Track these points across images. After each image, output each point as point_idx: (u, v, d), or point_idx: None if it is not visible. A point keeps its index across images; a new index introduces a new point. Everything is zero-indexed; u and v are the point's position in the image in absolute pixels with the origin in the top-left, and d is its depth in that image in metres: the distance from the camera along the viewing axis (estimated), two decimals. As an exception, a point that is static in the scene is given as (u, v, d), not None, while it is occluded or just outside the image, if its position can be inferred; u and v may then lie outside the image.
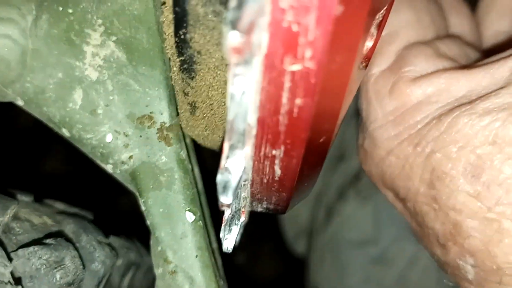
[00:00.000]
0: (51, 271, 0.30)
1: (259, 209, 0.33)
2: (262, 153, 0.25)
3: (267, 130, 0.24)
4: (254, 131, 0.24)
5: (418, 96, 0.32)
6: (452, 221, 0.30)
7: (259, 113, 0.23)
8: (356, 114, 0.40)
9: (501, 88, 0.29)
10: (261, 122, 0.23)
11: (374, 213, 1.12)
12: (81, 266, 0.33)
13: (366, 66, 0.35)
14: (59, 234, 0.34)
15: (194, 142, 0.40)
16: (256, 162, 0.26)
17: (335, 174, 1.19)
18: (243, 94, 0.21)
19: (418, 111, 0.32)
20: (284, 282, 1.27)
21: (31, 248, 0.30)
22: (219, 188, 0.24)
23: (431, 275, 1.12)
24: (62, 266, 0.31)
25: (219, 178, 0.24)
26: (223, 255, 0.40)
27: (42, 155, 0.98)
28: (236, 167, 0.24)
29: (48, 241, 0.32)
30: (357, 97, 0.38)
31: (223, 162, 0.24)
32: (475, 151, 0.28)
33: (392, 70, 0.34)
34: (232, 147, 0.23)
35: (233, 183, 0.24)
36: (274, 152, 0.25)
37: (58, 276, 0.30)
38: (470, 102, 0.30)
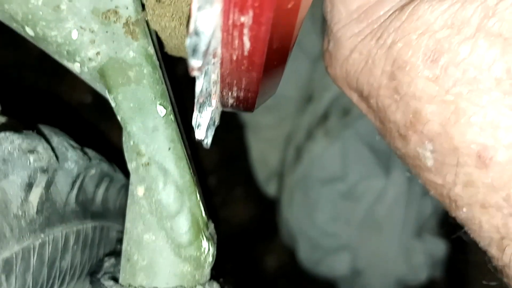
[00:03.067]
0: (24, 154, 0.30)
1: (230, 101, 0.33)
2: (230, 21, 0.25)
3: None
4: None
5: None
6: (412, 109, 0.30)
7: (225, -29, 0.23)
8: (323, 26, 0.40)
9: None
10: (228, -20, 0.23)
11: (342, 151, 1.15)
12: (55, 157, 0.33)
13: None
14: (30, 128, 0.33)
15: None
16: (224, 34, 0.26)
17: (303, 115, 1.20)
18: None
19: (381, 5, 0.32)
20: (257, 224, 1.30)
21: (2, 134, 0.30)
22: (189, 51, 0.24)
23: (398, 210, 1.16)
24: (34, 152, 0.31)
25: (188, 41, 0.24)
26: None
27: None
28: (205, 27, 0.24)
29: (19, 130, 0.31)
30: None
31: (192, 26, 0.24)
32: (434, 36, 0.28)
33: None
34: (200, 8, 0.23)
35: (203, 45, 0.24)
36: (242, 18, 0.25)
37: (31, 159, 0.30)
38: None
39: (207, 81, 0.29)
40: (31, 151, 0.30)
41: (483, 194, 0.29)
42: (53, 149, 0.33)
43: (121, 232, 0.43)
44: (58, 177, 0.34)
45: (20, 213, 0.30)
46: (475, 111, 0.27)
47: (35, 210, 0.31)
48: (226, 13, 0.25)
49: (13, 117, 0.41)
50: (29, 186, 0.30)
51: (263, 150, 1.28)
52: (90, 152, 0.41)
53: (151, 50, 0.35)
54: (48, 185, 0.33)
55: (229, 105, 0.35)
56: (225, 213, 1.29)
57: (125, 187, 0.49)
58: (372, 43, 0.33)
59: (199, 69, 0.24)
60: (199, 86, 0.28)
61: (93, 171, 0.40)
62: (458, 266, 1.16)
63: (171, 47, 0.38)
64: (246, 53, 0.27)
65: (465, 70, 0.27)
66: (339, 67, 0.36)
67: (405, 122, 0.32)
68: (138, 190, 0.34)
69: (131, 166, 0.34)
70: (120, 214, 0.48)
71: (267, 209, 1.28)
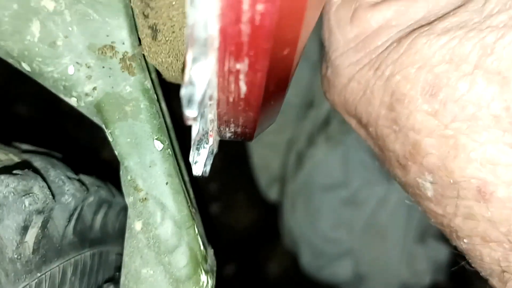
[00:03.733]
0: (20, 198, 0.30)
1: (228, 135, 0.33)
2: (226, 67, 0.25)
3: (229, 41, 0.23)
4: (216, 43, 0.24)
5: (378, 20, 0.32)
6: (411, 141, 0.30)
7: (220, 23, 0.23)
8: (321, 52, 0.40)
9: (459, 7, 0.29)
10: (223, 32, 0.23)
11: (343, 157, 1.15)
12: (51, 196, 0.33)
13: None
14: (26, 167, 0.33)
15: (160, 79, 0.40)
16: (220, 79, 0.26)
17: (304, 121, 1.20)
18: (203, 2, 0.21)
19: (379, 35, 0.32)
20: (258, 229, 1.30)
21: (-3, 178, 0.30)
22: (184, 101, 0.24)
23: (400, 216, 1.16)
24: (30, 194, 0.31)
25: (184, 91, 0.24)
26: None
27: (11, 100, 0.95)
28: (200, 79, 0.24)
29: (15, 171, 0.31)
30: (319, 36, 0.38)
31: (187, 76, 0.24)
32: (433, 70, 0.28)
33: None
34: (195, 60, 0.23)
35: (198, 96, 0.24)
36: (238, 66, 0.25)
37: (27, 203, 0.30)
38: (429, 23, 0.30)
39: (203, 123, 0.29)
40: (27, 193, 0.30)
41: (483, 228, 0.29)
42: (49, 187, 0.33)
43: (121, 254, 0.43)
44: (54, 213, 0.34)
45: (15, 256, 0.30)
46: (474, 147, 0.27)
47: (31, 250, 0.31)
48: (221, 61, 0.25)
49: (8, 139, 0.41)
50: (25, 229, 0.30)
51: (265, 155, 1.27)
52: (87, 179, 0.41)
53: (148, 84, 0.35)
54: (45, 224, 0.33)
55: (227, 137, 0.35)
56: (227, 219, 1.29)
57: (124, 209, 0.49)
58: (370, 74, 0.32)
59: (195, 118, 0.24)
60: (195, 129, 0.28)
61: (91, 199, 0.40)
62: (461, 271, 1.15)
63: (169, 77, 0.38)
64: (242, 95, 0.27)
65: (464, 106, 0.27)
66: (337, 94, 0.36)
67: (405, 152, 0.32)
68: (135, 224, 0.34)
69: (128, 200, 0.34)
70: (120, 236, 0.48)
71: (269, 215, 1.28)
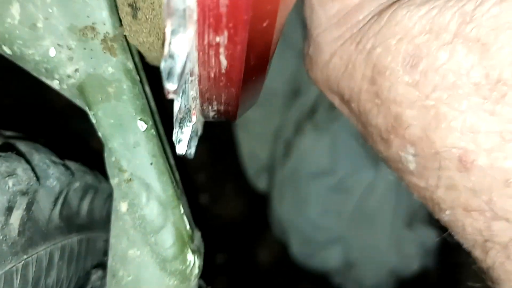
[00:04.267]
0: (3, 179, 0.30)
1: (211, 114, 0.33)
2: (206, 41, 0.25)
3: (208, 13, 0.23)
4: (195, 15, 0.24)
5: None
6: (393, 114, 0.30)
7: (198, -8, 0.23)
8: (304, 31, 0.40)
9: None
10: (201, 3, 0.23)
11: (331, 145, 1.15)
12: (35, 178, 0.32)
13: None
14: (9, 149, 0.33)
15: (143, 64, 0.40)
16: (201, 53, 0.26)
17: (291, 109, 1.20)
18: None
19: (360, 9, 0.32)
20: (248, 219, 1.30)
21: (-21, 158, 0.30)
22: (164, 74, 0.24)
23: (388, 201, 1.17)
24: (13, 175, 0.30)
25: (163, 65, 0.24)
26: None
27: None
28: (179, 51, 0.24)
29: (-3, 151, 0.31)
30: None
31: (166, 49, 0.24)
32: (413, 41, 0.28)
33: None
34: (174, 32, 0.23)
35: (178, 68, 0.24)
36: (217, 39, 0.25)
37: (10, 184, 0.30)
38: None
39: (185, 99, 0.29)
40: (10, 175, 0.30)
41: (465, 198, 0.29)
42: (33, 169, 0.33)
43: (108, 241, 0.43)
44: (39, 196, 0.34)
45: (0, 237, 0.29)
46: (455, 116, 0.28)
47: (16, 232, 0.31)
48: (201, 34, 0.25)
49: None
50: (9, 210, 0.30)
51: (253, 145, 1.28)
52: (73, 165, 0.41)
53: (130, 65, 0.35)
54: (29, 206, 0.33)
55: (211, 117, 0.35)
56: (216, 209, 1.29)
57: (112, 196, 0.49)
58: (352, 48, 0.33)
59: (175, 91, 0.24)
60: (177, 105, 0.28)
61: (76, 185, 0.40)
62: (449, 254, 1.17)
63: (151, 59, 0.38)
64: (223, 70, 0.27)
65: (444, 75, 0.28)
66: (319, 71, 0.36)
67: (387, 126, 0.32)
68: (121, 206, 0.34)
69: (113, 182, 0.34)
70: (107, 223, 0.48)
71: (258, 204, 1.28)
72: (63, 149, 0.43)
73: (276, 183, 1.22)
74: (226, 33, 0.24)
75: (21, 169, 0.32)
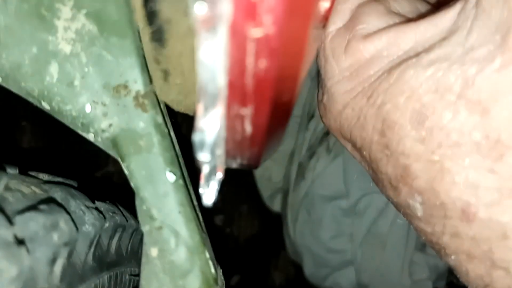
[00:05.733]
0: (49, 233, 0.32)
1: (234, 165, 0.36)
2: (233, 113, 0.28)
3: (236, 92, 0.26)
4: (224, 93, 0.26)
5: (370, 51, 0.34)
6: (402, 165, 0.32)
7: (228, 77, 0.25)
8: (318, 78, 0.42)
9: (443, 39, 0.31)
10: (230, 84, 0.26)
11: (343, 169, 1.16)
12: (75, 228, 0.35)
13: (324, 26, 0.37)
14: (50, 201, 0.36)
15: (168, 108, 0.42)
16: (228, 121, 0.29)
17: (306, 133, 1.22)
18: (212, 60, 0.24)
19: (371, 65, 0.34)
20: (262, 240, 1.31)
21: (27, 214, 0.32)
22: (197, 146, 0.26)
23: (400, 225, 1.17)
24: (57, 228, 0.33)
25: (196, 137, 0.26)
26: (203, 216, 0.43)
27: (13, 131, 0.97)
28: (210, 126, 0.26)
29: (41, 207, 0.34)
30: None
31: (199, 123, 0.26)
32: (420, 100, 0.30)
33: (347, 28, 0.36)
34: (205, 109, 0.26)
35: (209, 141, 0.26)
36: (243, 111, 0.27)
37: (55, 237, 0.33)
38: (416, 55, 0.31)
39: (213, 160, 0.31)
40: (54, 227, 0.33)
41: (468, 246, 0.31)
42: (72, 219, 0.36)
43: (133, 275, 0.46)
44: (78, 243, 0.37)
45: (46, 286, 0.32)
46: (458, 171, 0.29)
47: (58, 279, 0.34)
48: (229, 108, 0.28)
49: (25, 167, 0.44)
50: (53, 261, 0.33)
51: (267, 167, 1.29)
52: (103, 206, 0.43)
53: (159, 119, 0.37)
54: (70, 254, 0.35)
55: (233, 167, 0.38)
56: (231, 230, 1.30)
57: (136, 230, 0.52)
58: (363, 101, 0.34)
59: (209, 162, 0.26)
60: (206, 168, 0.30)
61: (107, 225, 0.43)
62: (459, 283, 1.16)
63: (177, 109, 0.41)
64: (247, 135, 0.30)
65: (448, 133, 0.29)
66: (333, 120, 0.38)
67: (396, 175, 0.34)
68: (151, 251, 0.36)
69: (144, 229, 0.37)
70: (132, 256, 0.50)
71: (273, 226, 1.29)
72: (92, 190, 0.46)
73: (290, 205, 1.23)
74: (251, 107, 0.27)
75: (63, 220, 0.34)
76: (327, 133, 1.19)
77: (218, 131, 0.27)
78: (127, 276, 0.50)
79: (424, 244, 1.17)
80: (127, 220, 0.47)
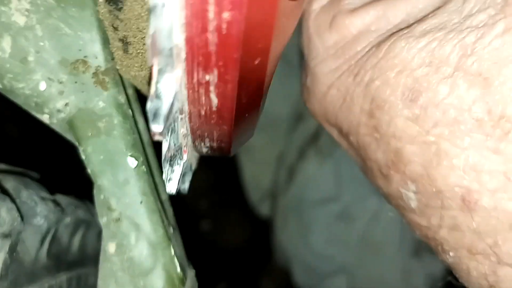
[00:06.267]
0: (-17, 222, 0.29)
1: (204, 150, 0.32)
2: (195, 79, 0.24)
3: (197, 52, 0.22)
4: (183, 54, 0.23)
5: (357, 26, 0.32)
6: (393, 149, 0.29)
7: (186, 32, 0.22)
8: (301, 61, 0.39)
9: (438, 8, 0.28)
10: (189, 42, 0.22)
11: (335, 171, 1.14)
12: (19, 218, 0.31)
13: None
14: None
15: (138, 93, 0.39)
16: (190, 91, 0.25)
17: (294, 134, 1.19)
18: (165, 7, 0.20)
19: (358, 41, 0.32)
20: (250, 246, 1.28)
21: (-40, 199, 0.29)
22: (150, 116, 0.23)
23: (394, 230, 1.15)
24: (-4, 217, 0.29)
25: (149, 105, 0.22)
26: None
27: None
28: (166, 92, 0.22)
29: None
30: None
31: (153, 88, 0.22)
32: (412, 74, 0.28)
33: (332, 4, 0.33)
34: (160, 71, 0.22)
35: (164, 109, 0.22)
36: (207, 77, 0.24)
37: (-9, 226, 0.29)
38: (408, 26, 0.29)
39: (174, 138, 0.28)
40: (-8, 216, 0.29)
41: (469, 240, 0.28)
42: (18, 208, 0.32)
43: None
44: (25, 235, 0.33)
45: (-21, 282, 0.28)
46: (457, 153, 0.26)
47: (-2, 276, 0.30)
48: (190, 72, 0.24)
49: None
50: (-10, 254, 0.29)
51: (255, 170, 1.26)
52: (64, 199, 0.40)
53: (122, 99, 0.34)
54: (13, 248, 0.31)
55: (204, 152, 0.34)
56: (218, 236, 1.27)
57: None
58: (349, 80, 0.32)
59: (161, 133, 0.23)
60: (165, 145, 0.27)
61: (67, 220, 0.39)
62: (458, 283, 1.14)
63: (145, 91, 0.37)
64: (214, 108, 0.26)
65: (445, 110, 0.27)
66: (317, 103, 0.36)
67: (386, 161, 0.31)
68: (109, 246, 0.33)
69: (102, 221, 0.33)
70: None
71: (261, 231, 1.26)
72: (56, 182, 0.42)
73: (279, 210, 1.20)
74: (216, 71, 0.23)
75: (5, 209, 0.30)
76: (316, 135, 1.17)
77: (176, 100, 0.23)
78: (94, 279, 0.46)
79: (419, 249, 1.14)
80: (93, 216, 0.43)
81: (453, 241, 0.29)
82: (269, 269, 1.26)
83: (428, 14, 0.29)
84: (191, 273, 0.37)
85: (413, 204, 0.30)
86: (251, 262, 1.27)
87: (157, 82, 0.22)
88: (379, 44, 0.30)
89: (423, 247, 1.19)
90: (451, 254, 0.30)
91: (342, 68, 0.32)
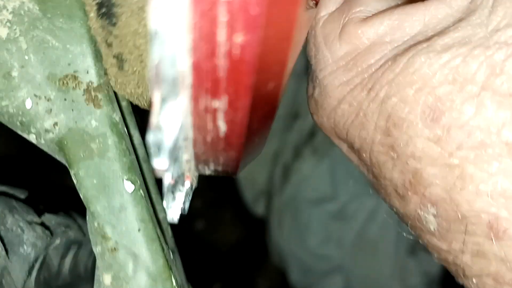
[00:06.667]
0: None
1: (207, 172, 0.30)
2: (201, 106, 0.22)
3: (205, 77, 0.20)
4: (189, 79, 0.20)
5: (370, 37, 0.29)
6: (412, 170, 0.27)
7: (192, 57, 0.19)
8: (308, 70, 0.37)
9: (460, 20, 0.26)
10: (196, 67, 0.20)
11: (331, 170, 1.12)
12: (3, 252, 0.29)
13: (317, 3, 0.32)
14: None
15: (132, 105, 0.36)
16: (196, 118, 0.23)
17: (290, 133, 1.17)
18: (170, 31, 0.17)
19: (371, 53, 0.29)
20: (245, 246, 1.26)
21: None
22: (152, 150, 0.20)
23: (390, 229, 1.14)
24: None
25: (151, 138, 0.20)
26: (181, 221, 0.36)
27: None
28: (170, 123, 0.20)
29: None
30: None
31: (154, 119, 0.20)
32: (434, 92, 0.26)
33: (342, 12, 0.31)
34: (163, 100, 0.20)
35: (168, 144, 0.20)
36: (215, 104, 0.21)
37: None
38: (427, 39, 0.27)
39: (178, 167, 0.25)
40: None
41: (496, 268, 0.26)
42: (2, 240, 0.29)
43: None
44: (11, 266, 0.30)
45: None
46: (484, 179, 0.25)
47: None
48: (195, 99, 0.21)
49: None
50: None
51: (251, 169, 1.24)
52: (53, 219, 0.37)
53: (116, 117, 0.31)
54: (-1, 285, 0.29)
55: (207, 174, 0.31)
56: (212, 235, 1.26)
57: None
58: (363, 95, 0.30)
59: (165, 170, 0.20)
60: (168, 176, 0.24)
61: (57, 242, 0.36)
62: (454, 283, 1.13)
63: (141, 105, 0.35)
64: (222, 135, 0.24)
65: (470, 132, 0.25)
66: (326, 117, 0.33)
67: (404, 182, 0.29)
68: (104, 278, 0.30)
69: (96, 250, 0.30)
70: (93, 277, 0.44)
71: (256, 231, 1.25)
72: (45, 201, 0.39)
73: (274, 209, 1.19)
74: (226, 98, 0.21)
75: (-12, 242, 0.28)
76: (312, 134, 1.15)
77: (181, 130, 0.21)
78: (87, 299, 0.43)
79: (415, 249, 1.14)
80: (84, 235, 0.41)
81: (477, 268, 0.27)
82: (264, 269, 1.25)
83: (449, 26, 0.27)
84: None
85: (432, 227, 0.28)
86: (246, 262, 1.26)
87: (159, 113, 0.20)
88: (395, 58, 0.28)
89: (420, 245, 1.19)
90: (474, 281, 0.28)
91: (354, 81, 0.30)
